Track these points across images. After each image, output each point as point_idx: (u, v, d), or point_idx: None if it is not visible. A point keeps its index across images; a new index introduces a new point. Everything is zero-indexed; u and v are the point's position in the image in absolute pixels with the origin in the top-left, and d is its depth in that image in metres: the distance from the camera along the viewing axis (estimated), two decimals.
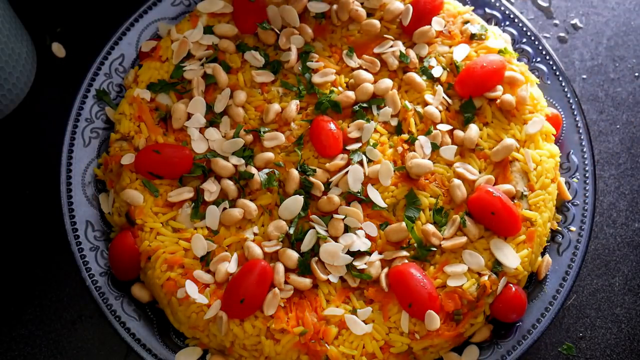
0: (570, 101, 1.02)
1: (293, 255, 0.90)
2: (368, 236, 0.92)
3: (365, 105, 0.99)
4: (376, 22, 1.03)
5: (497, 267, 0.90)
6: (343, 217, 0.92)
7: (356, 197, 0.93)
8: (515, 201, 0.94)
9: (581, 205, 0.97)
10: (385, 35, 1.03)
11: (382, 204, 0.93)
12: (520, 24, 1.07)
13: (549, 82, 1.04)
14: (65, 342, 0.98)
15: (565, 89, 1.03)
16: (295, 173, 0.94)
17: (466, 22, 1.04)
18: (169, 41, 1.03)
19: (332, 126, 0.96)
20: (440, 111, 0.99)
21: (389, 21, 1.04)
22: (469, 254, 0.90)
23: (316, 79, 1.00)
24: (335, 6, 1.03)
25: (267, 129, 0.97)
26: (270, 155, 0.96)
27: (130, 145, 0.97)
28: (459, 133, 0.97)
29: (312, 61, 1.01)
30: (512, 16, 1.07)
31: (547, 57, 1.05)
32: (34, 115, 1.11)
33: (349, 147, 0.96)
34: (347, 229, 0.92)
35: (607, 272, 1.03)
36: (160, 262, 0.90)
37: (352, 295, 0.90)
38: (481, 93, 0.98)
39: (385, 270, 0.90)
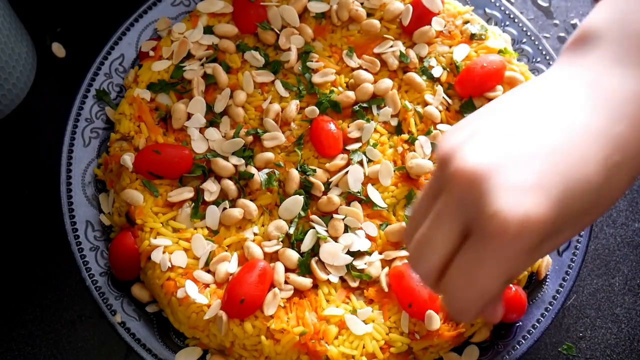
0: None
1: (293, 255, 0.90)
2: (368, 236, 0.92)
3: (365, 105, 0.99)
4: (376, 22, 1.03)
5: None
6: (343, 217, 0.92)
7: (356, 197, 0.93)
8: None
9: None
10: (385, 35, 1.03)
11: (382, 204, 0.93)
12: (520, 24, 1.07)
13: None
14: (65, 342, 0.98)
15: None
16: (295, 173, 0.94)
17: (466, 22, 1.04)
18: (169, 41, 1.03)
19: (332, 126, 0.96)
20: (440, 111, 0.99)
21: (389, 21, 1.04)
22: None
23: (316, 79, 1.00)
24: (335, 6, 1.03)
25: (265, 131, 0.97)
26: (270, 155, 0.96)
27: (130, 145, 0.97)
28: None
29: (312, 61, 1.01)
30: (512, 16, 1.07)
31: (547, 57, 1.05)
32: (34, 115, 1.11)
33: (349, 147, 0.96)
34: (347, 229, 0.92)
35: (607, 272, 1.03)
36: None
37: (352, 295, 0.90)
38: (481, 93, 0.98)
39: (386, 270, 0.90)
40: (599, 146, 0.53)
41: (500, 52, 1.01)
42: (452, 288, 0.55)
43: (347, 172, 0.94)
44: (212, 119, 0.98)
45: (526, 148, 0.53)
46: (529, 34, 1.06)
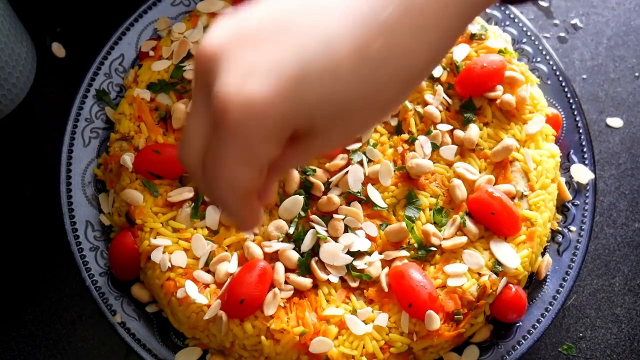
0: (570, 101, 1.02)
1: (293, 255, 0.90)
2: (368, 236, 0.92)
3: None
4: None
5: (497, 267, 0.90)
6: (343, 217, 0.92)
7: (356, 197, 0.93)
8: (515, 201, 0.94)
9: (581, 205, 0.97)
10: None
11: (382, 204, 0.93)
12: (520, 24, 1.07)
13: (549, 82, 1.04)
14: (65, 342, 0.98)
15: (566, 89, 1.03)
16: (295, 173, 0.94)
17: None
18: (169, 41, 1.03)
19: None
20: (440, 111, 0.99)
21: None
22: (469, 254, 0.90)
23: None
24: None
25: None
26: None
27: (130, 145, 0.97)
28: (459, 133, 0.97)
29: None
30: (512, 16, 1.07)
31: (547, 57, 1.05)
32: (34, 115, 1.11)
33: (349, 147, 0.96)
34: (347, 229, 0.92)
35: (607, 272, 1.03)
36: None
37: (352, 295, 0.90)
38: (481, 93, 0.98)
39: (386, 270, 0.90)
40: (358, 30, 0.46)
41: (500, 52, 1.01)
42: (207, 177, 0.50)
43: (347, 172, 0.94)
44: None
45: (268, 25, 0.47)
46: (529, 33, 1.06)
